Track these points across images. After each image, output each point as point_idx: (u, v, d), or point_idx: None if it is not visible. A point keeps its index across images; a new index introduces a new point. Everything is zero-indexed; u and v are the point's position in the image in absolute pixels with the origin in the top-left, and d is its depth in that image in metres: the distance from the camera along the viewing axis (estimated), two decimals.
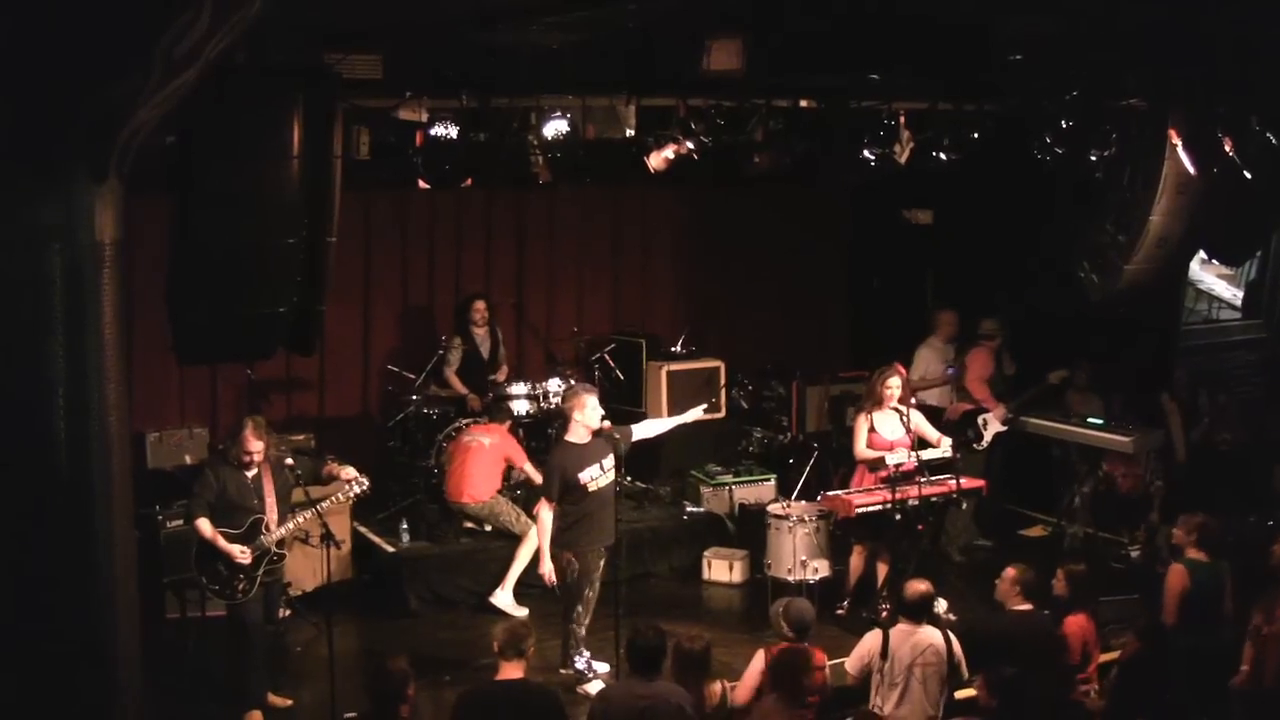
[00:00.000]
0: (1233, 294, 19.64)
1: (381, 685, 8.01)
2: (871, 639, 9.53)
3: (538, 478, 12.65)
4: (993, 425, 14.17)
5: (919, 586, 9.72)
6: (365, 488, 10.82)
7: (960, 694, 9.87)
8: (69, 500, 6.84)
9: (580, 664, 10.92)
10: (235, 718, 10.09)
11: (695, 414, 11.87)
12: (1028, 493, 15.34)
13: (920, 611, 9.58)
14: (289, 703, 10.52)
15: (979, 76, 11.89)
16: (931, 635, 9.51)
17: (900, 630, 9.49)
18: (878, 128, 12.30)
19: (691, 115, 11.46)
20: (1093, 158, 13.17)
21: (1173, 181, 12.67)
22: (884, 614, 10.23)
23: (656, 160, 11.66)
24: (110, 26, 6.25)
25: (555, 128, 11.30)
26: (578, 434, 10.90)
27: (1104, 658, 10.16)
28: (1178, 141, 12.37)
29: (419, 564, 12.74)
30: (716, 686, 9.11)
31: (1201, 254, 16.30)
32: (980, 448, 14.13)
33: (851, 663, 9.59)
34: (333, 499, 10.67)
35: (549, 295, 15.80)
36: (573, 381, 13.44)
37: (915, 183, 14.30)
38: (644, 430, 11.65)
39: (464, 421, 13.44)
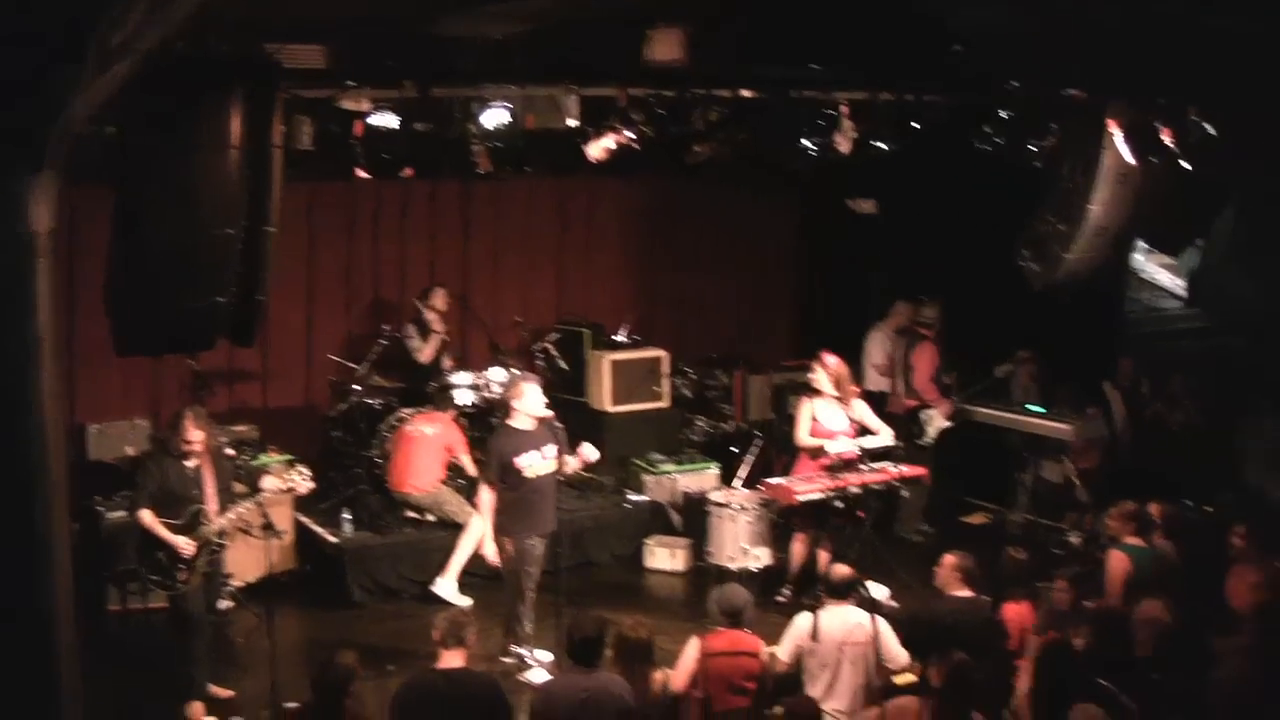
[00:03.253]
0: (1174, 283, 19.82)
1: (326, 678, 8.01)
2: (801, 622, 9.61)
3: (473, 470, 12.72)
4: (937, 421, 14.28)
5: (844, 568, 9.84)
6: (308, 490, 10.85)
7: (900, 679, 9.96)
8: (4, 493, 6.80)
9: (522, 651, 10.94)
10: (177, 709, 10.02)
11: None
12: (972, 480, 15.43)
13: (846, 590, 9.69)
14: (231, 694, 10.48)
15: (921, 67, 11.94)
16: (859, 616, 9.61)
17: (828, 611, 9.58)
18: (819, 118, 12.33)
19: (633, 105, 11.46)
20: (1033, 148, 13.27)
21: (1112, 171, 12.77)
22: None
23: (596, 150, 11.66)
24: (45, 16, 6.21)
25: (496, 117, 11.29)
26: (519, 420, 10.94)
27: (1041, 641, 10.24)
28: (1117, 132, 12.47)
29: (362, 554, 12.73)
30: (659, 675, 9.16)
31: (1144, 243, 16.44)
32: (924, 443, 14.23)
33: (784, 649, 9.64)
34: (275, 490, 10.62)
35: (492, 285, 15.77)
36: (515, 371, 13.47)
37: (861, 172, 14.34)
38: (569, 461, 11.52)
39: (406, 411, 13.41)
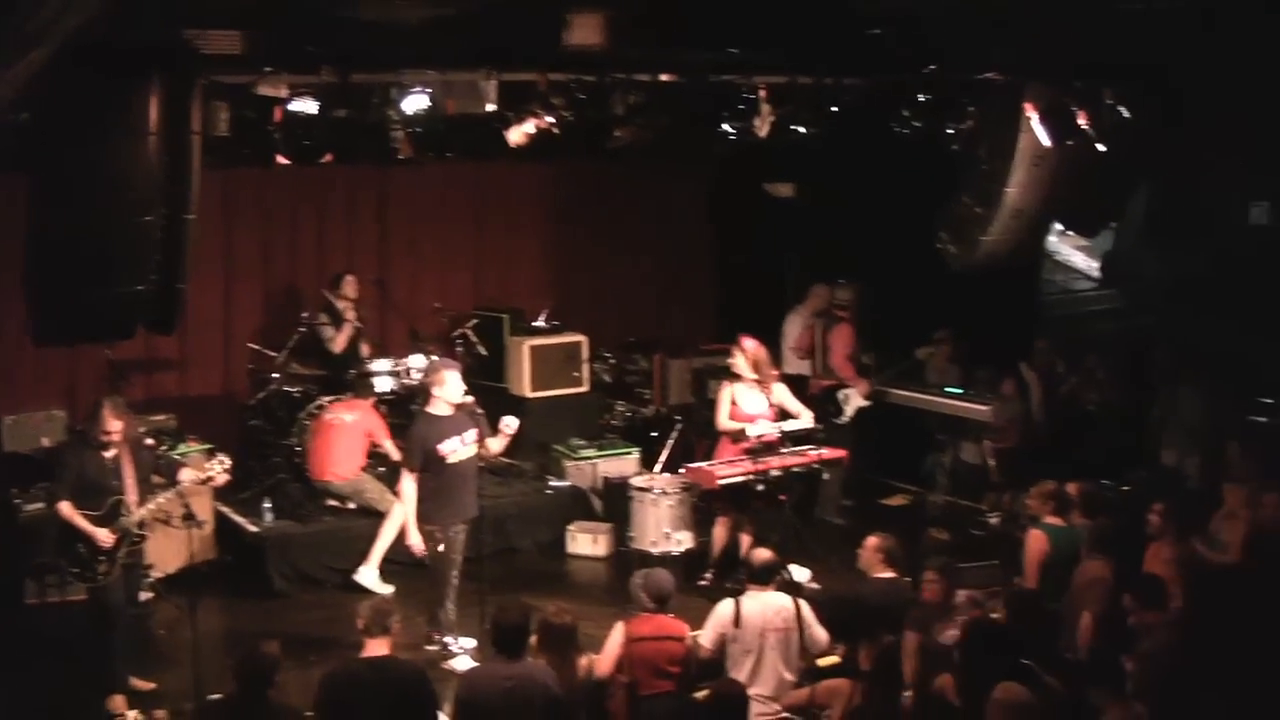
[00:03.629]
0: (1089, 265, 20.01)
1: (250, 668, 7.95)
2: (724, 609, 9.65)
3: (396, 455, 12.66)
4: (854, 400, 14.38)
5: (765, 553, 9.89)
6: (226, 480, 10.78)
7: (823, 661, 10.01)
8: None
9: (446, 639, 10.92)
10: (98, 703, 9.96)
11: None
12: (891, 462, 15.53)
13: (768, 575, 9.73)
14: (152, 686, 10.38)
15: (839, 51, 11.98)
16: (780, 600, 9.66)
17: (750, 596, 9.63)
18: (738, 102, 12.35)
19: (552, 90, 11.44)
20: (950, 131, 13.36)
21: (1028, 154, 12.91)
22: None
23: (517, 135, 11.62)
24: None
25: (416, 103, 11.24)
26: (439, 407, 10.91)
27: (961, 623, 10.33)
28: (1033, 115, 12.58)
29: (283, 543, 12.66)
30: (584, 660, 9.17)
31: (1059, 226, 16.59)
32: (842, 422, 14.30)
33: (706, 635, 9.67)
34: (193, 481, 10.51)
35: (411, 271, 15.74)
36: (435, 358, 13.43)
37: (779, 156, 14.38)
38: (495, 443, 11.42)
39: (326, 399, 13.33)
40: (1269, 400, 14.13)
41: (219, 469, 10.52)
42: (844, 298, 14.85)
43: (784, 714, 9.43)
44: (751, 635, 9.48)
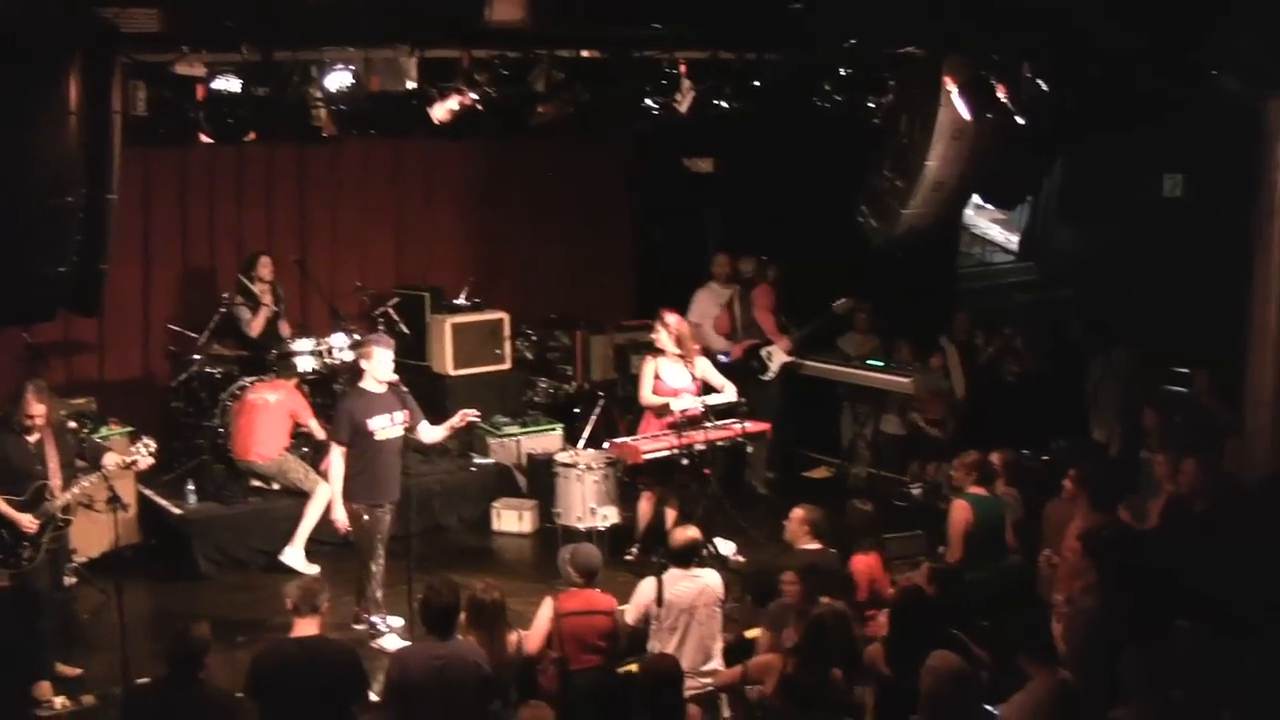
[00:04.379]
0: (1005, 238, 20.20)
1: (180, 651, 7.91)
2: (647, 587, 9.72)
3: (321, 434, 12.64)
4: (778, 356, 14.46)
5: (686, 533, 9.94)
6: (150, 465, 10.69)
7: (750, 633, 10.09)
8: None
9: (374, 618, 10.90)
10: (24, 689, 9.85)
11: (461, 417, 11.64)
12: (813, 435, 15.62)
13: (689, 557, 9.79)
14: (79, 672, 10.26)
15: (760, 26, 12.01)
16: (706, 578, 9.73)
17: (674, 575, 9.68)
18: (660, 77, 12.36)
19: (475, 66, 11.40)
20: (871, 105, 13.42)
21: (948, 127, 13.01)
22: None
23: (440, 112, 11.57)
24: None
25: (338, 80, 11.16)
26: (369, 383, 10.88)
27: (890, 593, 10.43)
28: (953, 88, 12.66)
29: (207, 525, 12.58)
30: (513, 637, 9.18)
31: (976, 199, 16.73)
32: (767, 378, 14.35)
33: (630, 612, 9.76)
34: (117, 465, 10.40)
35: (332, 250, 15.60)
36: (357, 336, 13.38)
37: (699, 131, 14.41)
38: (425, 432, 11.40)
39: (248, 380, 13.24)
40: (1185, 370, 14.33)
41: (144, 453, 10.41)
42: (747, 268, 14.94)
43: (709, 687, 9.49)
44: (676, 613, 9.57)
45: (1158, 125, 14.66)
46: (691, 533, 10.03)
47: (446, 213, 16.43)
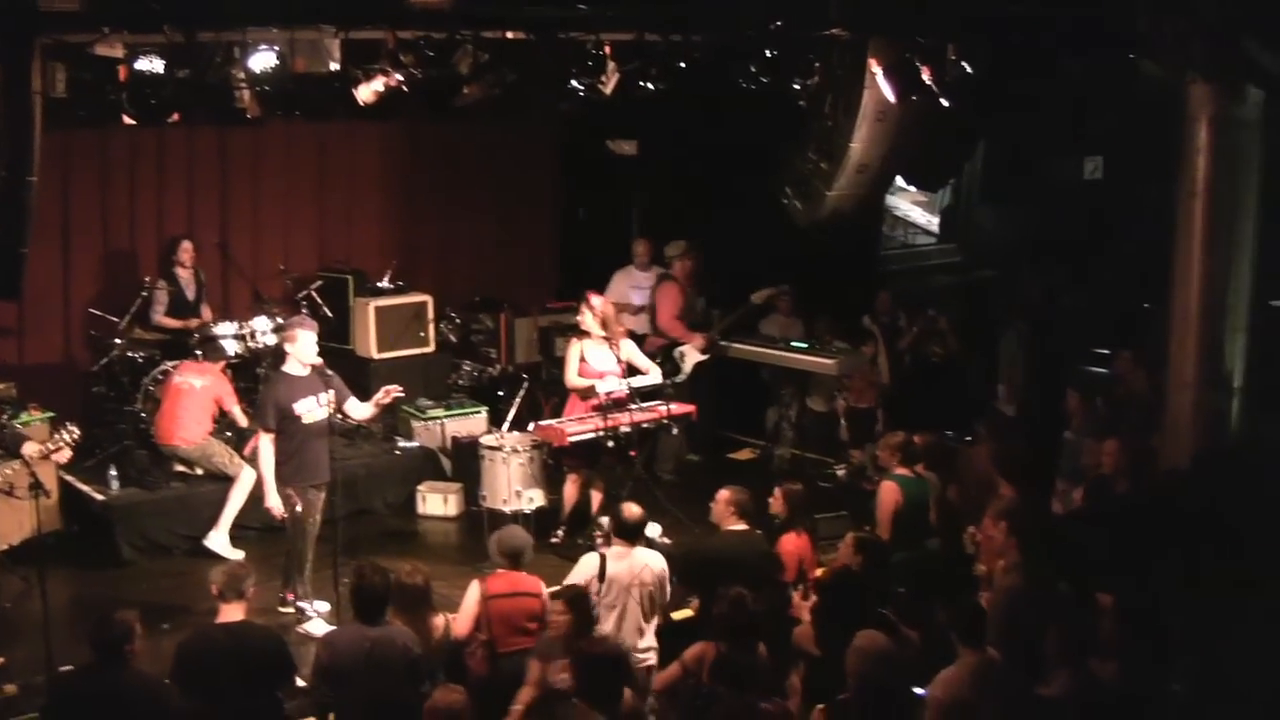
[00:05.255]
0: (927, 220, 20.32)
1: (106, 637, 7.84)
2: (588, 563, 9.71)
3: (243, 421, 12.58)
4: (691, 356, 14.41)
5: (634, 509, 9.94)
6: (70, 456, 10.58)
7: (678, 614, 10.12)
8: None
9: (302, 603, 10.86)
10: None
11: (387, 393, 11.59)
12: (737, 417, 15.66)
13: (636, 533, 9.80)
14: (1, 661, 10.13)
15: (686, 7, 12.02)
16: (647, 557, 9.76)
17: (616, 553, 9.69)
18: (586, 59, 12.33)
19: (400, 47, 11.34)
20: (797, 86, 13.45)
21: (872, 109, 13.05)
22: (600, 540, 10.40)
23: (366, 94, 11.49)
24: None
25: (262, 61, 11.07)
26: (293, 366, 10.83)
27: (819, 573, 10.48)
28: (878, 70, 12.71)
29: (130, 511, 12.46)
30: (439, 620, 9.21)
31: (899, 181, 16.82)
32: (681, 379, 14.31)
33: None
34: (38, 451, 10.27)
35: (254, 233, 15.45)
36: (280, 320, 13.31)
37: (623, 113, 14.40)
38: (354, 408, 11.30)
39: (171, 364, 13.13)
40: (1105, 351, 14.47)
41: (66, 439, 10.28)
42: (674, 250, 14.87)
43: (647, 664, 9.52)
44: (618, 590, 9.57)
45: (1079, 108, 14.81)
46: (638, 510, 10.05)
47: (369, 195, 16.33)
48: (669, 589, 9.85)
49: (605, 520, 10.97)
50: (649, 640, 9.72)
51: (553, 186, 17.61)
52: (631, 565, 9.64)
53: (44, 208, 11.69)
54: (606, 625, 9.53)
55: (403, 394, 11.42)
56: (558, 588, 9.65)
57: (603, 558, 9.67)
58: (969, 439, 12.96)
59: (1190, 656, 8.30)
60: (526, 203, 17.38)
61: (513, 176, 17.11)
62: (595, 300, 12.60)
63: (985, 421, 12.85)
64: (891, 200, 18.94)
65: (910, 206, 20.33)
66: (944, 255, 20.24)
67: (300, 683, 8.89)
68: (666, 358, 14.31)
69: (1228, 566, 9.22)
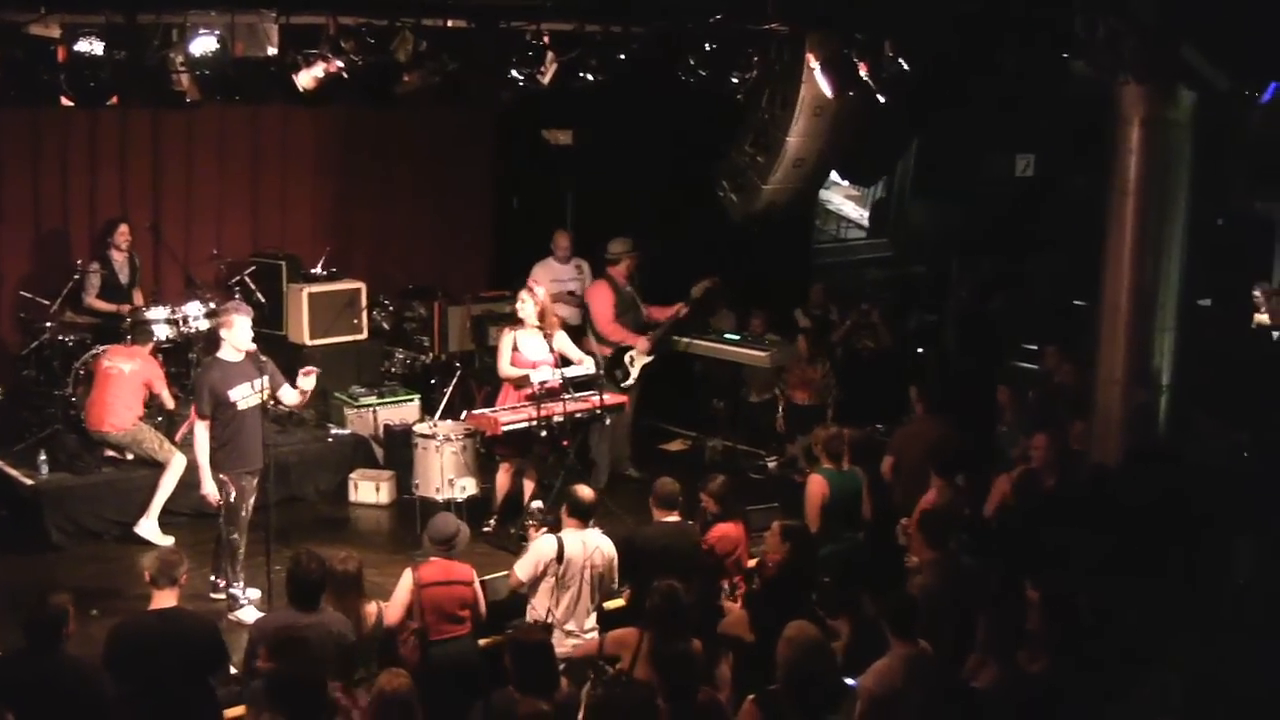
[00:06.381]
0: (860, 214, 20.43)
1: (40, 621, 7.80)
2: (547, 544, 9.75)
3: (171, 404, 12.56)
4: (639, 360, 14.28)
5: (585, 490, 10.02)
6: None
7: (610, 604, 10.17)
8: None
9: (234, 590, 10.83)
10: None
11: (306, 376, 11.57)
12: (668, 408, 15.69)
13: (589, 514, 9.89)
14: None
15: None
16: (598, 539, 9.82)
17: (570, 533, 9.75)
18: (525, 48, 12.34)
19: (341, 34, 11.30)
20: (735, 80, 13.50)
21: (809, 104, 13.15)
22: (533, 530, 10.39)
23: (306, 79, 11.44)
24: None
25: (203, 45, 10.99)
26: (227, 352, 10.77)
27: (752, 563, 10.56)
28: (815, 65, 12.79)
29: (59, 495, 12.37)
30: (371, 607, 9.21)
31: (833, 175, 16.90)
32: (629, 385, 14.23)
33: (523, 568, 9.78)
34: None
35: (186, 217, 15.34)
36: (213, 305, 13.26)
37: (560, 103, 14.40)
38: (287, 394, 11.24)
39: (101, 348, 13.02)
40: (1033, 347, 14.61)
41: None
42: (616, 250, 14.47)
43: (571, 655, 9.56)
44: (574, 571, 9.67)
45: (1011, 105, 14.93)
46: (590, 491, 10.15)
47: (304, 181, 16.26)
48: (616, 575, 9.90)
49: (535, 507, 10.97)
50: (591, 622, 9.80)
51: (488, 174, 17.58)
52: (585, 546, 9.74)
53: None
54: (562, 604, 9.65)
55: (318, 371, 11.30)
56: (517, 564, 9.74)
57: (560, 540, 9.71)
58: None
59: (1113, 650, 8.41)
60: (461, 190, 17.35)
61: (447, 165, 17.08)
62: (539, 289, 12.64)
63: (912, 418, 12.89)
64: (825, 194, 19.03)
65: (843, 200, 20.44)
66: (876, 250, 20.35)
67: (233, 670, 8.87)
68: (617, 364, 14.24)
69: (1152, 561, 9.36)
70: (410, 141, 16.67)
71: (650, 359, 14.27)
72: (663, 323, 14.38)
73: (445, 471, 12.38)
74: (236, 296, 13.92)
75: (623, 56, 12.68)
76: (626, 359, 14.22)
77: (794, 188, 13.84)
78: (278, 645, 7.95)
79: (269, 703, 7.37)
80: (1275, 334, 15.55)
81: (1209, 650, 8.62)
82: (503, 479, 12.69)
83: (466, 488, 12.47)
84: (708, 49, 12.99)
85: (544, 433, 12.22)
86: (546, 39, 12.38)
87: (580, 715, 7.88)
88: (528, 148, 16.65)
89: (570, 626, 9.62)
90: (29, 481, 12.47)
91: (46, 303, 13.48)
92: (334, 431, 14.27)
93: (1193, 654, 8.51)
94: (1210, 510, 10.31)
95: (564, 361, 12.51)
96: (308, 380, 10.98)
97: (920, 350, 15.87)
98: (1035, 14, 12.05)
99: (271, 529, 10.80)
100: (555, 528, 10.04)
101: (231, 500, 10.70)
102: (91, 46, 10.57)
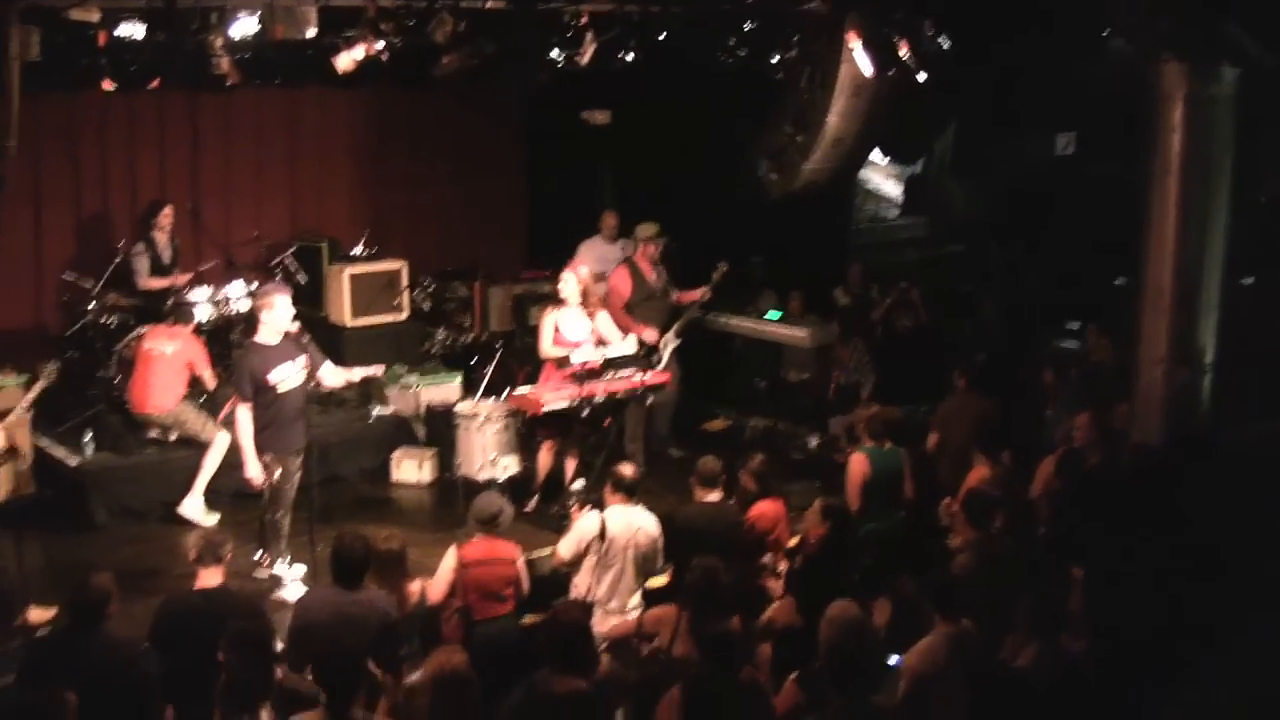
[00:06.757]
0: (898, 193, 20.37)
1: (83, 600, 7.84)
2: (590, 521, 9.77)
3: (212, 384, 12.60)
4: (670, 343, 14.20)
5: (629, 468, 10.07)
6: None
7: (653, 583, 10.16)
8: None
9: (278, 568, 10.89)
10: None
11: (369, 371, 11.64)
12: (709, 387, 15.67)
13: (634, 490, 9.90)
14: None
15: None
16: (643, 517, 9.82)
17: (615, 511, 9.76)
18: (564, 30, 12.34)
19: (381, 16, 11.32)
20: (774, 60, 13.48)
21: (849, 83, 13.11)
22: (576, 509, 10.41)
23: (345, 61, 11.48)
24: None
25: (244, 28, 11.03)
26: (266, 335, 10.79)
27: (793, 543, 10.55)
28: (855, 44, 12.75)
29: (104, 476, 12.45)
30: (415, 585, 9.23)
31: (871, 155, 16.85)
32: (662, 367, 14.17)
33: (566, 546, 9.82)
34: (22, 407, 10.23)
35: (225, 199, 15.46)
36: (255, 285, 13.30)
37: (596, 84, 14.37)
38: (328, 374, 11.35)
39: (144, 329, 13.06)
40: (1075, 325, 14.54)
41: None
42: (645, 232, 14.31)
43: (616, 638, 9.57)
44: (616, 550, 9.68)
45: (1051, 83, 14.84)
46: (633, 467, 10.17)
47: (342, 162, 16.35)
48: (660, 555, 9.92)
49: (578, 487, 10.99)
50: (635, 600, 9.80)
51: (526, 155, 17.60)
52: (629, 525, 9.76)
53: (15, 172, 11.67)
54: (604, 583, 9.68)
55: (381, 373, 11.36)
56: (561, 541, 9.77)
57: (603, 519, 9.73)
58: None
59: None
60: (499, 171, 17.44)
61: (487, 144, 17.17)
62: (583, 269, 12.65)
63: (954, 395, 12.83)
64: (863, 174, 18.98)
65: (882, 180, 20.38)
66: (914, 229, 20.28)
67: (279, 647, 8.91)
68: (651, 350, 14.21)
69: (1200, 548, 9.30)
70: (445, 124, 16.71)
71: (678, 341, 14.19)
72: (688, 306, 14.30)
73: (487, 450, 12.41)
74: (277, 278, 13.97)
75: (661, 38, 12.65)
76: (661, 343, 14.19)
77: (834, 167, 13.82)
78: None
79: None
80: None
81: (1248, 638, 8.56)
82: (544, 458, 12.67)
83: (508, 467, 12.49)
84: (746, 29, 12.95)
85: (585, 412, 12.22)
86: (585, 19, 12.37)
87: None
88: (567, 127, 16.61)
89: (612, 605, 9.63)
90: (73, 462, 12.54)
91: (88, 285, 13.53)
92: (375, 411, 14.27)
93: (1235, 640, 8.45)
94: (1252, 495, 10.23)
95: (604, 341, 12.50)
96: (365, 371, 11.04)
97: (960, 329, 15.76)
98: None
99: (314, 508, 10.85)
100: (599, 506, 10.04)
101: (275, 481, 10.75)
102: (132, 30, 10.62)
